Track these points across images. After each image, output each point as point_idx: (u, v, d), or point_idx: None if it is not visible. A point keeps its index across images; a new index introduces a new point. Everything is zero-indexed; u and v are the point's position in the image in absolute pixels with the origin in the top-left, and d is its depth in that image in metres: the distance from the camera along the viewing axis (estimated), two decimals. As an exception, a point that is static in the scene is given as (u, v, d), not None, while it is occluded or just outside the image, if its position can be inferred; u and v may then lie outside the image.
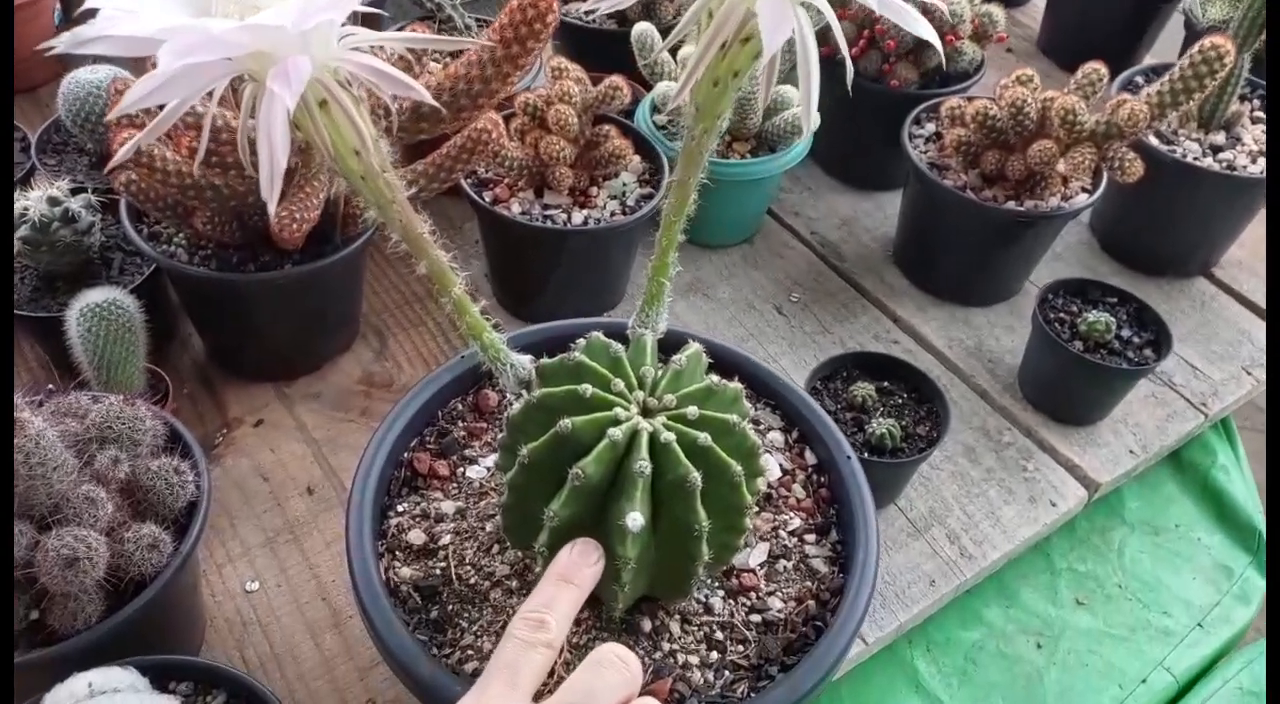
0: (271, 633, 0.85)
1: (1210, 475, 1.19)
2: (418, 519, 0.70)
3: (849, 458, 0.74)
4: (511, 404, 0.59)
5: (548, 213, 1.03)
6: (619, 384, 0.58)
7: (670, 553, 0.58)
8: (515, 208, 1.03)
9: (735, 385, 0.60)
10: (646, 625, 0.65)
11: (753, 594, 0.67)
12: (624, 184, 1.07)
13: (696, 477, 0.54)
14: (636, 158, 1.06)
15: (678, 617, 0.65)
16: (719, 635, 0.65)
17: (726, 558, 0.63)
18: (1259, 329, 1.28)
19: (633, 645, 0.62)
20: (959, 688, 0.99)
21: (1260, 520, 1.15)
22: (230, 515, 0.92)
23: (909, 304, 1.26)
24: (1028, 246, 1.23)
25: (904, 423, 1.01)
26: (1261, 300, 1.31)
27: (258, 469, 0.96)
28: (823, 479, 0.74)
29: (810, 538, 0.72)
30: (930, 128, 1.29)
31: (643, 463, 0.54)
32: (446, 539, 0.68)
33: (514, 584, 0.66)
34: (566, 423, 0.55)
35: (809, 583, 0.68)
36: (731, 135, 1.24)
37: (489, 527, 0.69)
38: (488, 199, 1.03)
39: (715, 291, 1.26)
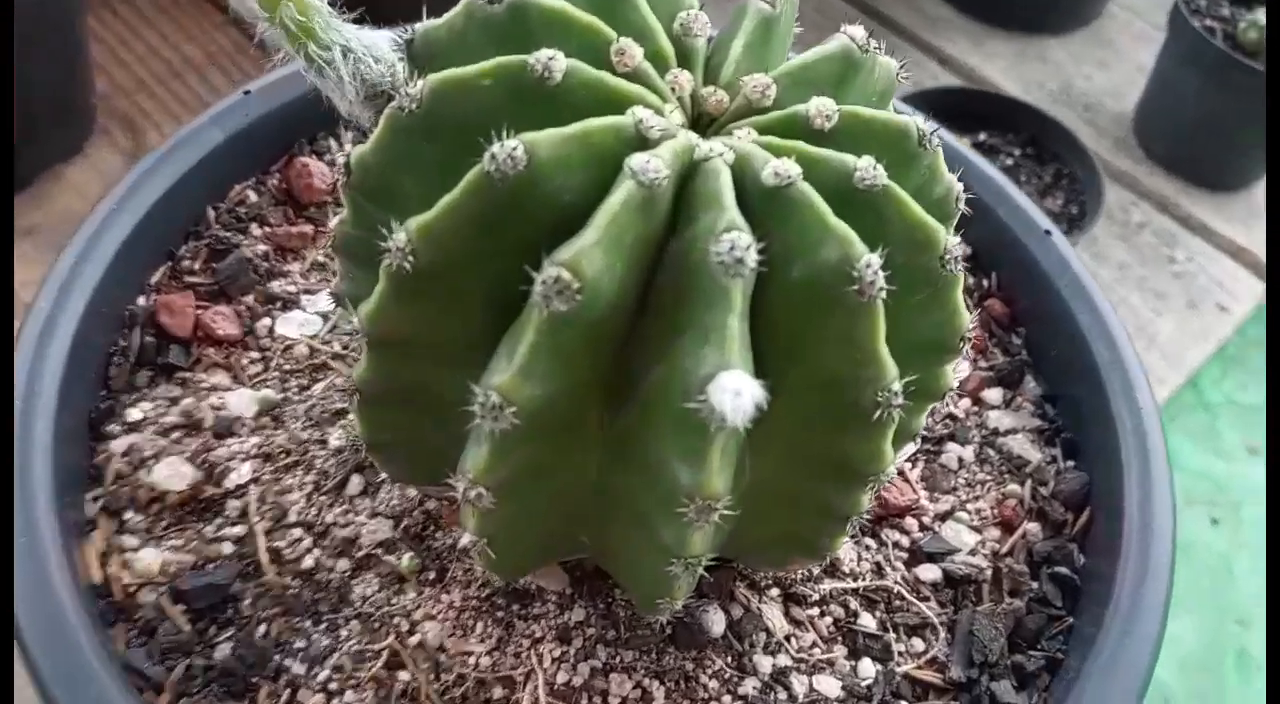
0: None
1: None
2: (173, 436, 0.41)
3: (1047, 233, 0.46)
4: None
5: None
6: (632, 51, 0.28)
7: (798, 464, 0.31)
8: None
9: (886, 59, 0.33)
10: (716, 624, 0.38)
11: (910, 522, 0.41)
12: None
13: (875, 261, 0.26)
14: None
15: (776, 593, 0.39)
16: (866, 620, 0.39)
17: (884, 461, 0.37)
18: None
19: (691, 675, 0.36)
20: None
21: None
22: None
23: (959, 38, 0.94)
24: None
25: (1024, 195, 0.65)
26: None
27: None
28: (988, 282, 0.49)
29: (992, 396, 0.45)
30: None
31: (735, 236, 0.25)
32: (243, 473, 0.40)
33: (402, 560, 0.38)
34: (512, 147, 0.24)
35: (1014, 486, 0.42)
36: None
37: (336, 438, 0.41)
38: None
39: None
